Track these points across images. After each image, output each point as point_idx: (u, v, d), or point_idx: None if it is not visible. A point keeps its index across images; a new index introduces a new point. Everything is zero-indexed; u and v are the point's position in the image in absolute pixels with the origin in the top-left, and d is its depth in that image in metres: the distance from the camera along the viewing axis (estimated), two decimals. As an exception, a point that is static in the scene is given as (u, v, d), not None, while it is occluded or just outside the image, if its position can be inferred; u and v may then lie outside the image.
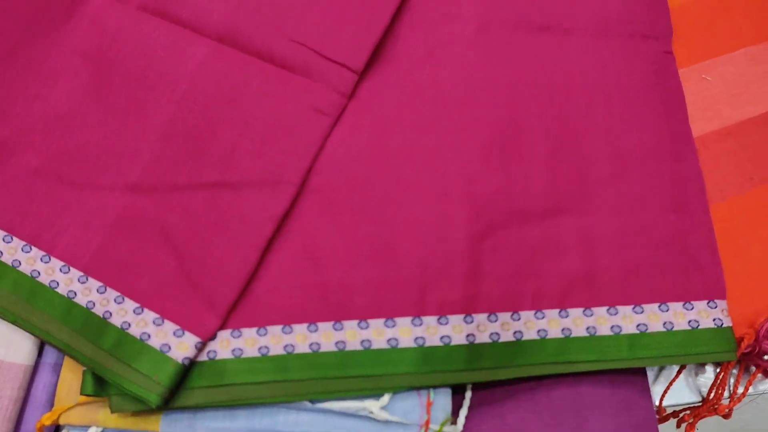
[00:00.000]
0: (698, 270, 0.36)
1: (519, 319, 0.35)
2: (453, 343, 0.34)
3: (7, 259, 0.35)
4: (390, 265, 0.35)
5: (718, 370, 0.37)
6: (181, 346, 0.33)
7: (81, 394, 0.34)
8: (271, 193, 0.36)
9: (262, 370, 0.33)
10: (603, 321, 0.35)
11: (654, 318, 0.35)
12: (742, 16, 0.42)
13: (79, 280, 0.35)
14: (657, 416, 0.38)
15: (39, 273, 0.35)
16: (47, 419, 0.35)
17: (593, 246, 0.36)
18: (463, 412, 0.35)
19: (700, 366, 0.38)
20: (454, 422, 0.34)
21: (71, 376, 0.36)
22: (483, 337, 0.34)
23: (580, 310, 0.35)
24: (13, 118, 0.38)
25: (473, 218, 0.36)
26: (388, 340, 0.33)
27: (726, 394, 0.37)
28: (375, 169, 0.37)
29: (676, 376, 0.37)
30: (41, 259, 0.35)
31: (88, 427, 0.35)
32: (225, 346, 0.34)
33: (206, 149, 0.37)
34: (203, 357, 0.34)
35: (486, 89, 0.38)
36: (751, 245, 0.37)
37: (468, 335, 0.34)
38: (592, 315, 0.35)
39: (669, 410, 0.39)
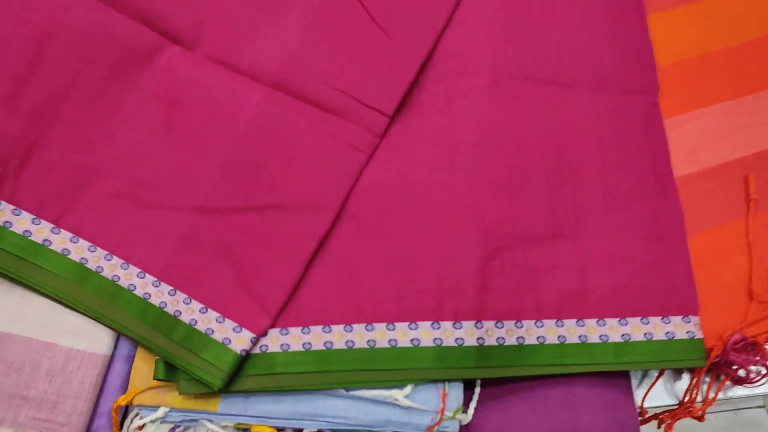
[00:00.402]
0: (676, 290, 0.42)
1: (522, 326, 0.41)
2: (465, 344, 0.40)
3: (91, 265, 0.42)
4: (413, 279, 0.41)
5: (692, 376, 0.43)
6: (240, 340, 0.39)
7: (154, 378, 0.40)
8: (314, 215, 0.42)
9: (305, 362, 0.40)
10: (593, 331, 0.41)
11: (636, 329, 0.41)
12: (720, 75, 0.48)
13: (153, 284, 0.41)
14: (639, 416, 0.44)
15: (119, 278, 0.41)
16: (123, 400, 0.41)
17: (586, 267, 0.43)
18: (473, 404, 0.41)
19: (677, 373, 0.44)
20: (464, 411, 0.40)
21: (142, 365, 0.42)
22: (491, 341, 0.40)
23: (573, 320, 0.41)
24: (98, 149, 0.44)
25: (483, 242, 0.42)
26: (411, 340, 0.40)
27: (699, 398, 0.43)
28: (401, 199, 0.43)
29: (655, 380, 0.43)
30: (121, 266, 0.42)
31: (158, 407, 0.41)
32: (274, 341, 0.40)
33: (260, 178, 0.43)
34: (256, 350, 0.40)
35: (497, 133, 0.45)
36: (722, 272, 0.44)
37: (478, 338, 0.40)
38: (584, 325, 0.41)
39: (650, 412, 0.44)
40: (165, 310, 0.41)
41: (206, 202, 0.43)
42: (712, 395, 0.43)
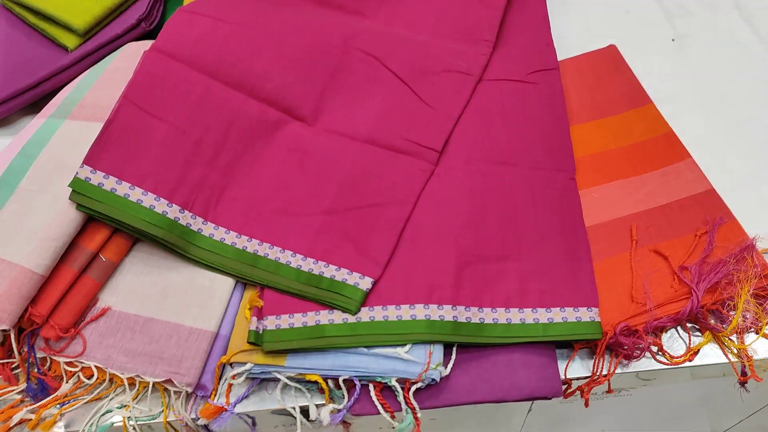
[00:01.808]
0: (583, 291, 0.61)
1: (482, 311, 0.60)
2: (445, 319, 0.58)
3: (261, 252, 0.63)
4: (413, 278, 0.61)
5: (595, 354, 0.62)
6: (365, 283, 0.60)
7: (247, 343, 0.59)
8: (400, 207, 0.65)
9: (344, 330, 0.58)
10: (529, 316, 0.60)
11: (557, 315, 0.60)
12: (616, 164, 0.70)
13: (302, 259, 0.63)
14: (566, 387, 0.61)
15: (279, 258, 0.63)
16: (224, 359, 0.59)
17: (524, 277, 0.62)
18: (450, 363, 0.58)
19: (590, 354, 0.61)
20: (444, 366, 0.58)
21: (236, 340, 0.60)
22: (461, 319, 0.59)
23: (516, 309, 0.60)
24: (260, 186, 0.67)
25: (458, 258, 0.62)
26: (411, 315, 0.58)
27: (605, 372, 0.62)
28: (408, 231, 0.64)
29: (572, 356, 0.61)
30: (280, 251, 0.63)
31: (246, 363, 0.58)
32: (324, 317, 0.59)
33: (364, 190, 0.67)
34: (313, 323, 0.59)
35: (468, 194, 0.67)
36: (614, 285, 0.62)
37: (454, 316, 0.58)
38: (523, 312, 0.60)
39: (574, 383, 0.61)
40: (313, 272, 0.62)
41: (330, 207, 0.66)
42: (612, 369, 0.60)
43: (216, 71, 0.70)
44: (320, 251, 0.63)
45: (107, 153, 0.63)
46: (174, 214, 0.63)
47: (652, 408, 0.84)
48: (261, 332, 0.59)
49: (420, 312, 0.59)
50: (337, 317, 0.60)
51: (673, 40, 0.89)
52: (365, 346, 0.59)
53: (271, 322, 0.60)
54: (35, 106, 0.81)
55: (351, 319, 0.60)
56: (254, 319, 0.61)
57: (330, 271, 0.62)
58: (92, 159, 0.63)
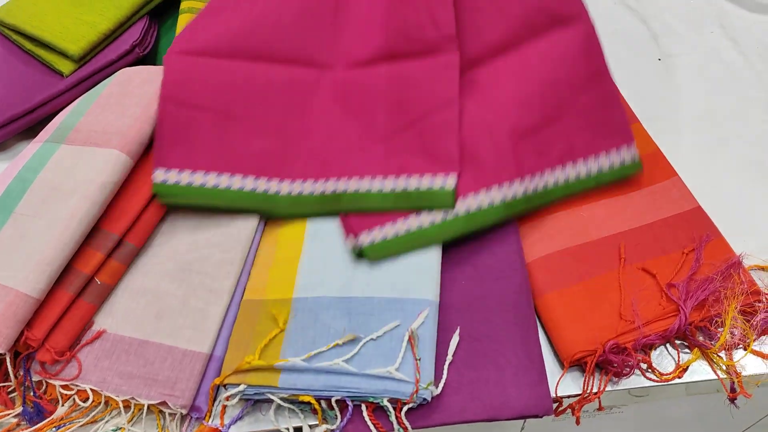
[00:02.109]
0: (619, 133, 0.70)
1: (543, 176, 0.68)
2: (518, 197, 0.66)
3: (336, 190, 0.70)
4: (481, 167, 0.67)
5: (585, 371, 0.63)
6: (450, 181, 0.66)
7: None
8: (449, 107, 0.69)
9: (435, 230, 0.65)
10: (582, 170, 0.69)
11: (604, 163, 0.69)
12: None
13: (381, 180, 0.69)
14: (557, 406, 0.62)
15: (359, 189, 0.69)
16: (218, 380, 0.59)
17: (569, 133, 0.69)
18: (441, 383, 0.59)
19: (581, 372, 0.62)
20: (435, 385, 0.58)
21: (230, 361, 0.61)
22: (530, 191, 0.67)
23: (570, 164, 0.69)
24: (311, 139, 0.72)
25: (511, 136, 0.68)
26: (489, 203, 0.65)
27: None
28: (464, 127, 0.69)
29: (563, 374, 0.61)
30: (357, 181, 0.70)
31: (240, 384, 0.59)
32: (413, 222, 0.66)
33: (406, 109, 0.71)
34: (404, 231, 0.66)
35: (504, 77, 0.72)
36: (603, 303, 0.62)
37: (524, 192, 0.66)
38: (576, 167, 0.69)
39: (565, 402, 0.62)
40: (396, 190, 0.68)
41: (385, 134, 0.71)
42: (602, 387, 0.61)
43: (233, 51, 0.74)
44: (395, 169, 0.69)
45: (171, 152, 0.69)
46: (250, 185, 0.70)
47: (646, 425, 0.85)
48: (361, 248, 0.66)
49: (497, 197, 0.66)
50: (425, 221, 0.66)
51: (659, 59, 0.90)
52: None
53: (365, 238, 0.66)
54: (31, 131, 0.82)
55: (437, 219, 0.66)
56: (350, 237, 0.67)
57: (413, 182, 0.68)
58: (161, 160, 0.69)
